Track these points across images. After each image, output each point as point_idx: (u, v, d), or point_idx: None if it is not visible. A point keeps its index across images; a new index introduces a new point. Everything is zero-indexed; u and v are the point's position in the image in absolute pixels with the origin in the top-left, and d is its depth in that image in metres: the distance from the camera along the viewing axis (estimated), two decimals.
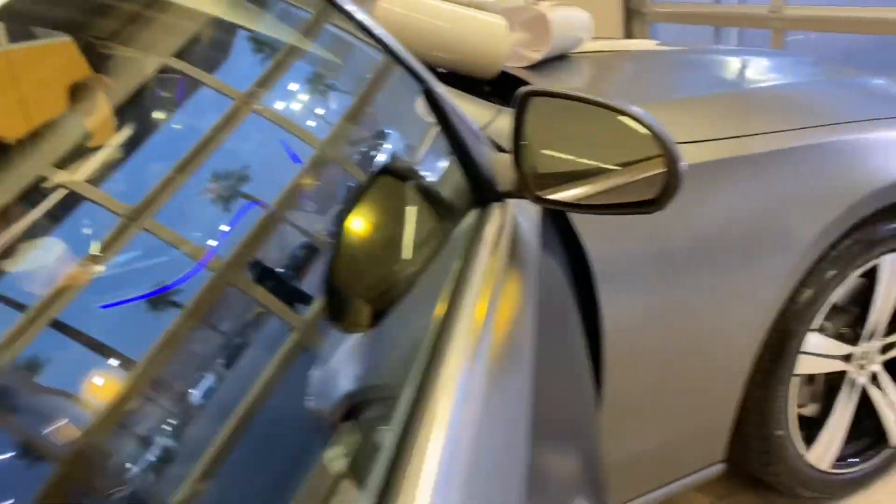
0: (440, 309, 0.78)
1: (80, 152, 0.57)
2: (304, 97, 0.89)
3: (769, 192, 1.50)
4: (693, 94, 1.67)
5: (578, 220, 1.32)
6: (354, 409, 0.66)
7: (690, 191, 1.40)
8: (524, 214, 1.10)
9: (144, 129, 0.65)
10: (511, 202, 1.07)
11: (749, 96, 1.71)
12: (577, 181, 0.95)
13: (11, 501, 0.40)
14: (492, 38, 1.65)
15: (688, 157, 1.39)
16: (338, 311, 0.72)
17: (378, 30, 0.94)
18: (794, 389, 1.65)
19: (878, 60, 6.38)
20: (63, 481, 0.44)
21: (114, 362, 0.51)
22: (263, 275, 0.66)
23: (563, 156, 0.98)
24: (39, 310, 0.47)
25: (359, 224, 0.81)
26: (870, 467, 1.85)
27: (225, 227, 0.66)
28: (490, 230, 0.97)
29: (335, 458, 0.60)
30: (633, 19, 4.33)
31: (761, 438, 1.67)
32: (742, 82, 1.91)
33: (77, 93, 0.59)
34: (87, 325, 0.50)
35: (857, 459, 1.84)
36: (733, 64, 2.03)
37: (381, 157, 0.97)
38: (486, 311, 0.78)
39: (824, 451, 1.76)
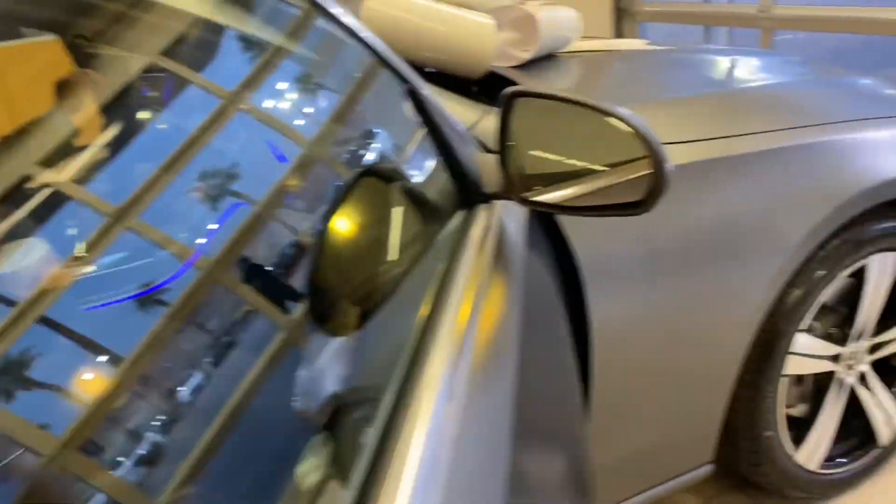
0: (424, 311, 0.78)
1: (65, 151, 0.57)
2: (290, 98, 0.88)
3: (758, 192, 1.50)
4: (682, 94, 1.67)
5: (566, 221, 1.31)
6: (338, 409, 0.66)
7: (679, 191, 1.40)
8: (511, 216, 1.09)
9: (129, 129, 0.64)
10: (497, 204, 1.06)
11: (738, 96, 1.71)
12: (564, 182, 0.94)
13: None
14: (479, 37, 1.64)
15: (676, 157, 1.41)
16: (321, 313, 0.71)
17: (364, 32, 0.93)
18: (782, 390, 1.65)
19: (866, 60, 6.42)
20: (41, 485, 0.44)
21: (96, 364, 0.50)
22: (248, 275, 0.65)
23: (549, 157, 0.97)
24: (22, 311, 0.47)
25: (342, 226, 0.80)
26: (858, 467, 1.86)
27: (210, 228, 0.65)
28: (476, 232, 0.96)
29: (314, 464, 0.59)
30: (622, 19, 4.33)
31: (750, 439, 1.67)
32: (731, 82, 1.90)
33: (63, 90, 0.59)
34: (71, 326, 0.49)
35: (846, 459, 1.84)
36: (722, 64, 2.03)
37: (366, 159, 0.96)
38: (470, 313, 0.78)
39: (813, 452, 1.76)
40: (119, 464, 0.48)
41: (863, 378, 1.80)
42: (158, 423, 0.51)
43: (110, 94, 0.64)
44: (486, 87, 1.66)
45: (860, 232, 1.62)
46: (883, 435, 1.85)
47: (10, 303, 0.47)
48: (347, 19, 0.91)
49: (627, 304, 1.40)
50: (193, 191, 0.65)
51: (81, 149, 0.58)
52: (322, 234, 0.76)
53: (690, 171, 1.42)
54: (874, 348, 1.79)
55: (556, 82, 1.79)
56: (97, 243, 0.54)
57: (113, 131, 0.62)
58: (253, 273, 0.66)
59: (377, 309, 0.78)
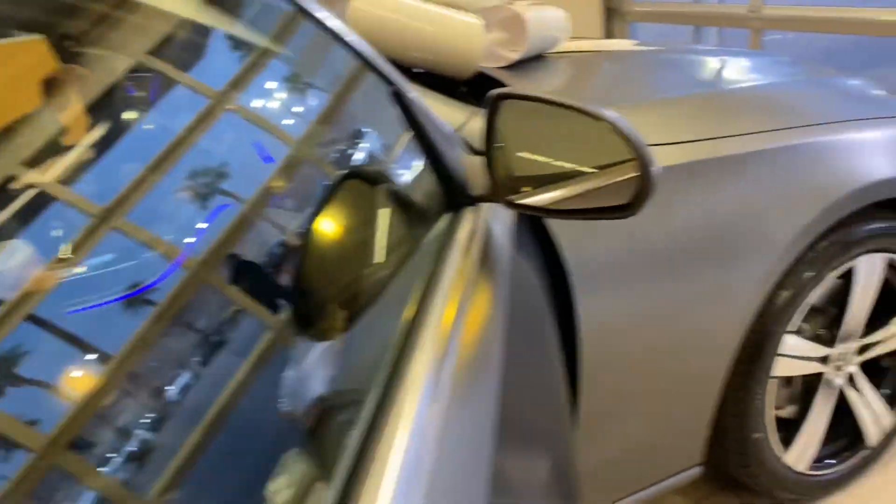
0: (409, 313, 0.77)
1: (50, 151, 0.56)
2: (274, 101, 0.88)
3: (747, 193, 1.50)
4: (670, 95, 1.66)
5: (554, 223, 1.30)
6: (323, 410, 0.66)
7: (667, 193, 1.40)
8: (498, 218, 1.08)
9: (112, 130, 0.64)
10: (484, 206, 1.06)
11: (727, 97, 1.71)
12: (550, 185, 0.94)
13: None
14: (467, 38, 1.63)
15: (665, 158, 1.40)
16: (306, 316, 0.71)
17: (349, 35, 0.92)
18: (771, 391, 1.65)
19: (855, 60, 6.45)
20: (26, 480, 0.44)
21: (78, 363, 0.50)
22: (233, 277, 0.65)
23: (535, 160, 0.96)
24: (5, 312, 0.47)
25: (326, 228, 0.80)
26: (847, 468, 1.86)
27: (196, 229, 0.65)
28: (461, 235, 0.96)
29: (293, 476, 0.59)
30: (612, 18, 4.33)
31: (739, 441, 1.67)
32: (720, 83, 1.90)
33: (50, 87, 0.58)
34: (54, 329, 0.49)
35: (835, 461, 1.84)
36: (711, 64, 2.03)
37: (351, 161, 0.95)
38: (455, 316, 0.78)
39: (802, 453, 1.76)
40: (105, 463, 0.48)
41: (851, 379, 1.80)
42: (144, 423, 0.52)
43: (93, 95, 0.63)
44: (475, 88, 1.66)
45: (849, 233, 1.62)
46: (871, 436, 1.85)
47: None
48: (333, 22, 0.90)
49: (616, 306, 1.39)
50: (178, 192, 0.65)
51: (67, 149, 0.58)
52: (306, 236, 0.76)
53: (679, 172, 1.42)
54: (862, 349, 1.79)
55: (545, 83, 1.78)
56: (82, 244, 0.53)
57: (97, 132, 0.62)
58: (238, 274, 0.66)
59: (361, 312, 0.78)
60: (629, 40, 2.29)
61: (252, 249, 0.69)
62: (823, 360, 1.74)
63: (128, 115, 0.68)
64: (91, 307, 0.52)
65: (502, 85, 1.61)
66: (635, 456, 1.56)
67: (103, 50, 0.65)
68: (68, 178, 0.56)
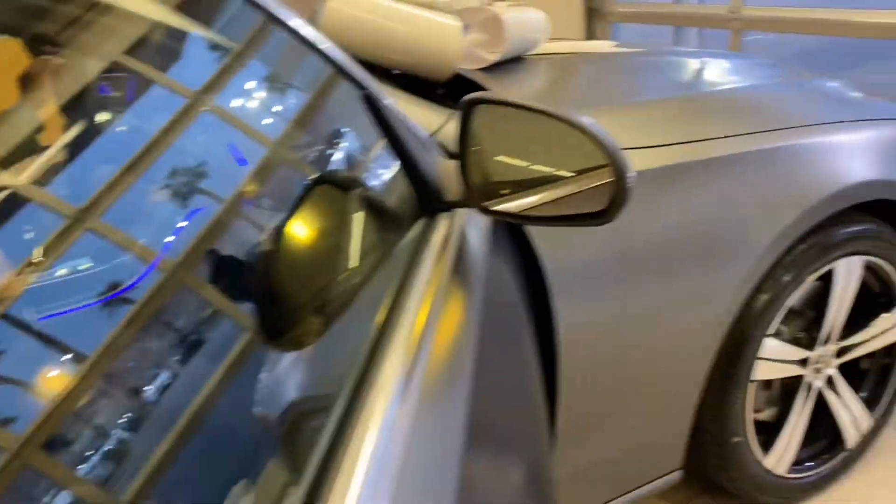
0: (380, 320, 0.77)
1: (24, 151, 0.56)
2: (247, 106, 0.86)
3: (725, 196, 1.49)
4: (650, 98, 1.65)
5: (533, 228, 1.29)
6: (293, 415, 0.66)
7: (646, 196, 1.39)
8: (474, 224, 1.07)
9: (85, 131, 0.63)
10: (460, 212, 1.04)
11: (706, 99, 1.70)
12: (525, 191, 0.92)
13: None
14: (445, 39, 1.62)
15: (645, 161, 1.40)
16: (277, 322, 0.70)
17: (323, 43, 0.90)
18: (751, 395, 1.65)
19: (834, 61, 6.50)
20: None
21: (49, 367, 0.50)
22: (207, 282, 0.65)
23: (510, 165, 0.95)
24: None
25: (297, 234, 0.79)
26: (826, 471, 1.86)
27: (169, 233, 0.64)
28: (435, 241, 0.95)
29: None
30: (594, 19, 4.33)
31: (719, 445, 1.66)
32: (699, 85, 1.90)
33: (26, 83, 0.57)
34: (22, 336, 0.49)
35: (814, 463, 1.84)
36: (691, 66, 2.02)
37: (324, 166, 0.94)
38: (426, 322, 0.77)
39: (781, 456, 1.76)
40: (73, 465, 0.48)
41: (830, 381, 1.80)
42: (114, 425, 0.51)
43: (65, 98, 0.62)
44: (453, 90, 1.64)
45: (827, 236, 1.62)
46: (850, 438, 1.85)
47: None
48: (306, 30, 0.88)
49: (594, 311, 1.38)
50: (150, 196, 0.64)
51: (42, 149, 0.57)
52: (276, 242, 0.75)
53: (658, 175, 1.41)
54: (841, 352, 1.79)
55: (524, 85, 1.77)
56: (54, 246, 0.53)
57: (70, 132, 0.61)
58: (211, 279, 0.65)
59: (333, 318, 0.77)
60: (609, 42, 2.28)
61: (225, 254, 0.68)
62: (802, 362, 1.74)
63: (97, 118, 0.66)
64: (61, 313, 0.51)
65: (480, 87, 1.60)
66: (614, 461, 1.55)
67: (76, 52, 0.64)
68: (41, 179, 0.55)
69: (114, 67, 0.67)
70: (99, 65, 0.66)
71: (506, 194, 0.93)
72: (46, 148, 0.58)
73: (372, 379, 0.67)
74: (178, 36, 0.81)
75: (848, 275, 1.70)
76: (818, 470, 1.84)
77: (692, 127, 1.50)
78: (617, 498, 1.56)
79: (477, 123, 0.93)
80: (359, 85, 0.93)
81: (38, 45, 0.59)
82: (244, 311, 0.68)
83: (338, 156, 0.99)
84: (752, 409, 1.67)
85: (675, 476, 1.64)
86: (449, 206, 1.02)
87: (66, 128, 0.60)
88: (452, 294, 0.87)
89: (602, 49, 2.13)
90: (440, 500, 0.62)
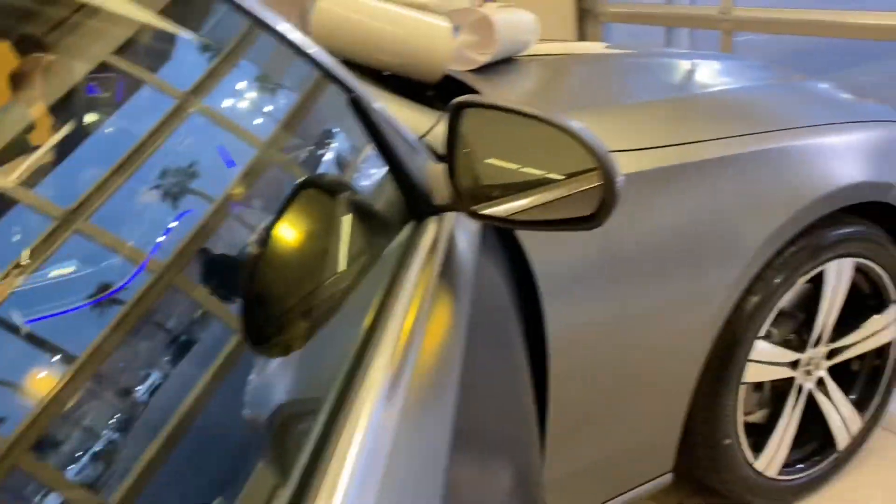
0: (368, 324, 0.77)
1: (14, 151, 0.56)
2: (235, 110, 0.85)
3: (716, 199, 1.49)
4: (640, 100, 1.65)
5: (522, 231, 1.28)
6: (281, 418, 0.66)
7: (637, 198, 1.38)
8: (462, 227, 1.06)
9: (73, 132, 0.63)
10: (449, 215, 1.04)
11: (697, 101, 1.70)
12: (514, 195, 0.92)
13: None
14: (435, 40, 1.61)
15: (634, 164, 1.39)
16: (263, 328, 0.70)
17: (311, 48, 0.90)
18: (741, 397, 1.64)
19: (824, 62, 6.52)
20: None
21: (36, 374, 0.50)
22: (193, 285, 0.65)
23: (498, 169, 0.94)
24: None
25: (284, 238, 0.78)
26: (817, 472, 1.86)
27: (155, 237, 0.64)
28: (423, 245, 0.94)
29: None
30: (585, 19, 4.33)
31: (710, 447, 1.66)
32: (690, 87, 1.89)
33: (17, 82, 0.57)
34: (10, 338, 0.49)
35: (804, 465, 1.84)
36: (681, 68, 2.02)
37: (312, 170, 0.93)
38: (413, 328, 0.77)
39: (772, 458, 1.76)
40: (64, 466, 0.48)
41: (820, 383, 1.80)
42: (102, 428, 0.51)
43: (53, 98, 0.62)
44: (443, 91, 1.63)
45: (817, 238, 1.62)
46: (841, 440, 1.85)
47: None
48: (293, 34, 0.88)
49: (584, 313, 1.38)
50: (137, 199, 0.64)
51: (31, 149, 0.57)
52: (263, 246, 0.74)
53: (648, 178, 1.40)
54: (831, 354, 1.79)
55: (514, 86, 1.76)
56: (41, 249, 0.53)
57: (56, 134, 0.61)
58: (198, 282, 0.65)
59: (320, 322, 0.77)
60: (599, 43, 2.28)
61: (212, 258, 0.68)
62: (793, 364, 1.74)
63: (84, 119, 0.66)
64: (47, 317, 0.51)
65: (471, 89, 1.59)
66: (605, 463, 1.55)
67: (65, 53, 0.64)
68: (30, 180, 0.55)
69: (102, 69, 0.67)
70: (86, 67, 0.66)
71: (494, 198, 0.93)
72: (36, 148, 0.57)
73: (358, 382, 0.67)
74: (166, 40, 0.80)
75: (838, 277, 1.70)
76: (809, 472, 1.85)
77: (683, 129, 1.50)
78: (608, 501, 1.56)
79: (465, 127, 0.93)
80: (346, 88, 0.92)
81: (28, 45, 0.59)
82: (231, 315, 0.67)
83: (325, 159, 0.98)
84: (742, 412, 1.67)
85: (666, 478, 1.64)
86: (437, 210, 1.01)
87: (55, 128, 0.60)
88: (440, 298, 0.87)
89: (593, 50, 2.12)
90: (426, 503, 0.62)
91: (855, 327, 1.80)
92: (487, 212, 0.93)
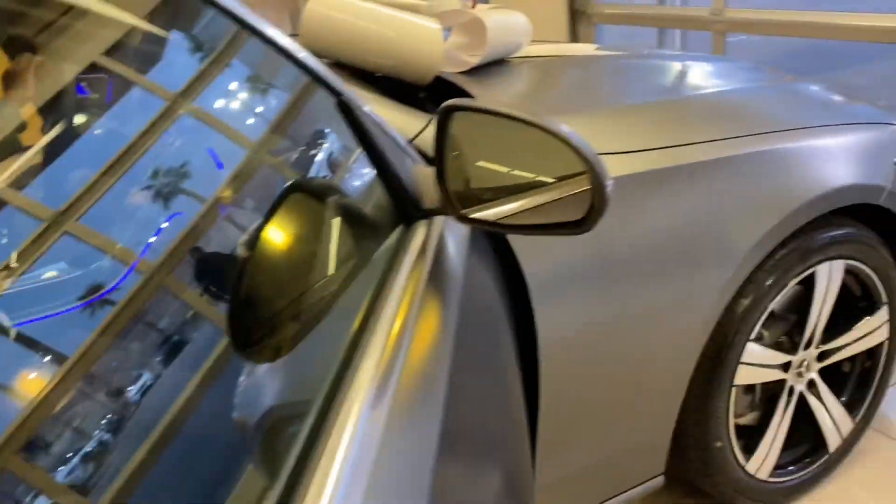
0: (356, 328, 0.77)
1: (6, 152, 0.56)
2: (222, 113, 0.85)
3: (707, 201, 1.49)
4: (631, 102, 1.65)
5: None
6: (269, 421, 0.66)
7: (627, 201, 1.38)
8: (452, 230, 1.06)
9: (62, 134, 0.63)
10: (439, 219, 1.03)
11: (688, 104, 1.70)
12: (503, 199, 0.91)
13: None
14: (425, 42, 1.60)
15: (626, 166, 1.39)
16: (250, 332, 0.70)
17: (300, 52, 0.89)
18: (733, 400, 1.64)
19: (815, 63, 6.54)
20: None
21: (24, 375, 0.50)
22: (181, 289, 0.65)
23: (488, 172, 0.94)
24: None
25: (271, 242, 0.78)
26: (808, 474, 1.86)
27: (141, 240, 0.64)
28: (412, 249, 0.94)
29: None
30: (578, 20, 4.33)
31: (701, 450, 1.66)
32: (681, 89, 1.89)
33: (8, 82, 0.57)
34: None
35: (795, 467, 1.84)
36: (672, 70, 2.02)
37: (300, 174, 0.93)
38: (401, 332, 0.77)
39: (763, 460, 1.76)
40: (53, 468, 0.48)
41: (812, 385, 1.80)
42: (89, 430, 0.51)
43: (43, 99, 0.62)
44: (434, 93, 1.63)
45: (809, 240, 1.62)
46: (832, 442, 1.86)
47: None
48: (283, 40, 0.87)
49: (575, 315, 1.37)
50: (123, 201, 0.64)
51: (21, 149, 0.57)
52: (249, 251, 0.74)
53: (639, 180, 1.40)
54: (823, 355, 1.79)
55: (506, 88, 1.76)
56: (31, 251, 0.53)
57: (44, 136, 0.60)
58: (187, 285, 0.65)
59: (307, 328, 0.77)
60: (591, 44, 2.28)
61: (200, 261, 0.68)
62: (784, 367, 1.74)
63: (72, 121, 0.66)
64: (34, 320, 0.51)
65: (462, 90, 1.59)
66: (597, 466, 1.54)
67: (54, 54, 0.64)
68: (19, 181, 0.55)
69: (91, 71, 0.67)
70: (76, 68, 0.66)
71: (484, 201, 0.92)
72: (26, 148, 0.57)
73: (346, 386, 0.67)
74: (154, 44, 0.80)
75: (829, 279, 1.70)
76: (800, 474, 1.85)
77: (673, 131, 1.50)
78: None
79: (454, 130, 0.92)
80: (334, 91, 0.91)
81: (17, 46, 0.59)
82: (219, 318, 0.67)
83: (314, 163, 0.97)
84: (734, 414, 1.67)
85: (658, 481, 1.64)
86: (427, 214, 1.00)
87: (44, 129, 0.60)
88: (429, 302, 0.86)
89: (584, 52, 2.12)
90: None
91: (846, 329, 1.80)
92: (477, 215, 0.92)
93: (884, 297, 1.81)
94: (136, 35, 0.76)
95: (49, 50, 0.63)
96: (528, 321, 1.32)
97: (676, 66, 2.05)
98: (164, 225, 0.66)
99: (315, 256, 0.85)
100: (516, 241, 1.28)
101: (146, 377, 0.57)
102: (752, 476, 1.75)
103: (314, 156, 0.98)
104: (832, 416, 1.84)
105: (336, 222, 0.91)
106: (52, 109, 0.62)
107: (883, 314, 1.83)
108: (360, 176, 1.00)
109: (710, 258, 1.50)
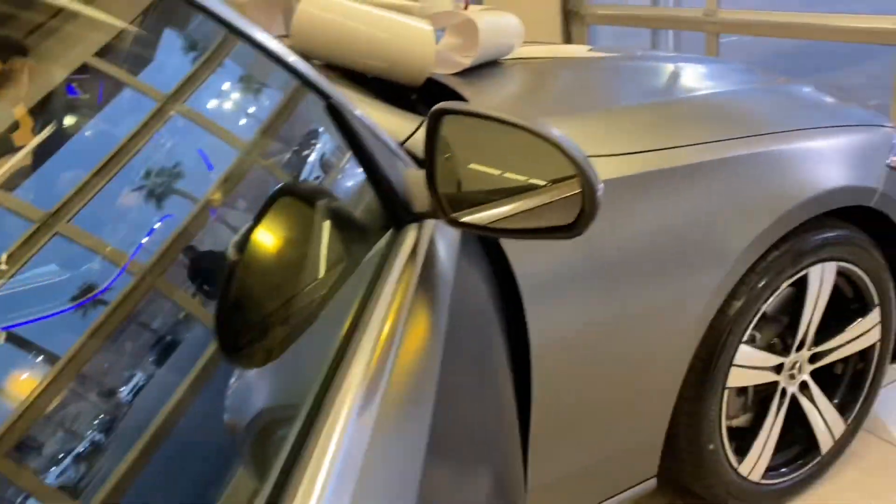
0: (345, 333, 0.77)
1: None
2: (211, 117, 0.84)
3: (699, 203, 1.48)
4: (624, 104, 1.65)
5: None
6: (257, 426, 0.66)
7: (620, 203, 1.38)
8: (443, 233, 1.05)
9: (51, 136, 0.63)
10: (430, 222, 1.03)
11: (680, 106, 1.69)
12: (494, 202, 0.91)
13: None
14: (417, 44, 1.60)
15: (618, 169, 1.39)
16: (239, 336, 0.69)
17: (290, 57, 0.89)
18: (725, 402, 1.64)
19: (809, 63, 6.56)
20: None
21: (14, 379, 0.50)
22: (170, 293, 0.65)
23: (478, 176, 0.93)
24: None
25: (260, 246, 0.77)
26: (801, 476, 1.86)
27: (130, 244, 0.63)
28: (402, 252, 0.94)
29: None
30: (571, 21, 4.33)
31: (693, 452, 1.66)
32: (673, 91, 1.89)
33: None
34: None
35: (788, 469, 1.84)
36: (665, 71, 2.02)
37: (289, 177, 0.92)
38: (390, 336, 0.77)
39: (756, 463, 1.76)
40: (43, 470, 0.48)
41: (804, 387, 1.80)
42: (78, 433, 0.52)
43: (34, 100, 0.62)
44: (426, 95, 1.62)
45: (801, 242, 1.62)
46: (824, 444, 1.86)
47: None
48: (272, 44, 0.87)
49: (568, 318, 1.37)
50: (109, 206, 0.63)
51: (13, 150, 0.57)
52: (238, 255, 0.73)
53: (632, 183, 1.40)
54: (815, 357, 1.79)
55: (498, 90, 1.75)
56: (21, 253, 0.53)
57: (33, 140, 0.60)
58: (176, 288, 0.65)
59: (296, 333, 0.77)
60: (583, 46, 2.27)
61: (190, 262, 0.68)
62: (777, 368, 1.74)
63: (61, 123, 0.65)
64: (24, 322, 0.51)
65: (454, 92, 1.58)
66: (589, 469, 1.54)
67: (45, 57, 0.64)
68: (9, 183, 0.55)
69: (82, 73, 0.67)
70: (67, 70, 0.66)
71: (475, 205, 0.92)
72: (18, 149, 0.57)
73: (335, 390, 0.67)
74: (143, 47, 0.80)
75: (821, 280, 1.70)
76: (792, 476, 1.85)
77: (666, 134, 1.50)
78: None
79: (445, 134, 0.92)
80: (323, 95, 0.91)
81: (9, 49, 0.59)
82: (208, 322, 0.67)
83: (304, 166, 0.97)
84: (726, 416, 1.66)
85: (650, 484, 1.63)
86: (417, 217, 1.00)
87: (34, 131, 0.60)
88: (418, 306, 0.86)
89: (576, 54, 2.12)
90: None
91: (838, 331, 1.80)
92: (467, 219, 0.92)
93: (876, 299, 1.81)
94: (125, 38, 0.76)
95: (39, 52, 0.62)
96: (521, 323, 1.31)
97: (669, 67, 2.05)
98: (155, 226, 0.66)
99: (304, 260, 0.84)
100: (508, 243, 1.28)
101: (136, 379, 0.57)
102: (744, 478, 1.75)
103: (304, 159, 0.98)
104: (824, 418, 1.84)
105: (326, 226, 0.91)
106: (42, 111, 0.62)
107: (875, 316, 1.83)
108: (350, 179, 0.99)
109: (703, 260, 1.50)
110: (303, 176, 0.95)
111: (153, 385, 0.58)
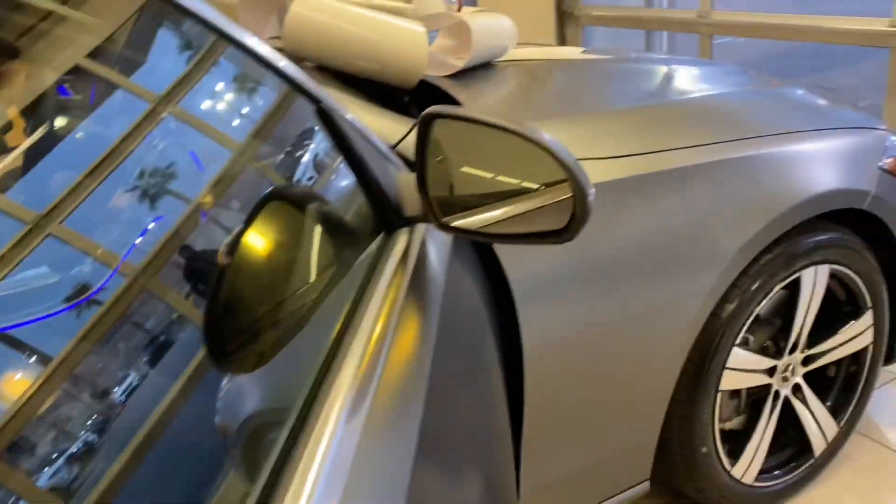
0: (335, 337, 0.77)
1: None
2: (201, 119, 0.84)
3: (692, 206, 1.48)
4: (617, 107, 1.64)
5: None
6: (246, 430, 0.66)
7: (613, 206, 1.38)
8: (434, 237, 1.05)
9: (43, 137, 0.62)
10: (421, 226, 1.02)
11: (673, 108, 1.69)
12: (485, 207, 0.91)
13: None
14: (410, 46, 1.59)
15: (611, 172, 1.38)
16: (228, 340, 0.69)
17: (280, 62, 0.88)
18: (718, 405, 1.64)
19: (803, 64, 6.58)
20: None
21: (7, 380, 0.50)
22: (160, 296, 0.65)
23: (470, 180, 0.93)
24: None
25: (250, 251, 0.77)
26: (794, 479, 1.86)
27: (121, 247, 0.63)
28: (394, 257, 0.93)
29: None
30: (565, 22, 4.33)
31: (687, 455, 1.65)
32: (666, 93, 1.89)
33: None
34: None
35: (781, 472, 1.84)
36: (658, 74, 2.02)
37: (280, 181, 0.91)
38: (380, 340, 0.77)
39: (749, 465, 1.75)
40: (34, 471, 0.48)
41: (797, 390, 1.80)
42: (68, 435, 0.52)
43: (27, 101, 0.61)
44: (419, 97, 1.62)
45: (793, 245, 1.62)
46: (817, 446, 1.86)
47: None
48: (262, 49, 0.86)
49: (560, 321, 1.37)
50: (98, 210, 0.63)
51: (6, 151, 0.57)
52: (228, 259, 0.73)
53: (624, 186, 1.40)
54: (808, 360, 1.79)
55: (491, 93, 1.75)
56: (13, 255, 0.52)
57: (26, 142, 0.60)
58: (166, 292, 0.65)
59: (286, 337, 0.77)
60: (577, 48, 2.27)
61: (180, 266, 0.68)
62: (770, 371, 1.73)
63: (52, 127, 0.65)
64: (12, 327, 0.51)
65: (447, 94, 1.58)
66: (582, 472, 1.53)
67: (37, 59, 0.64)
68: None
69: (71, 80, 0.67)
70: (59, 72, 0.65)
71: (466, 209, 0.92)
72: (10, 150, 0.57)
73: (324, 394, 0.68)
74: (135, 52, 0.79)
75: (814, 283, 1.70)
76: (786, 478, 1.85)
77: (658, 137, 1.49)
78: None
79: (436, 138, 0.91)
80: (313, 98, 0.90)
81: (2, 51, 0.59)
82: (197, 326, 0.67)
83: (294, 170, 0.96)
84: (719, 419, 1.66)
85: (644, 487, 1.63)
86: (408, 222, 0.99)
87: (26, 132, 0.60)
88: (409, 310, 0.86)
89: (570, 55, 2.11)
90: None
91: (831, 334, 1.80)
92: (459, 224, 0.91)
93: (868, 302, 1.82)
94: (117, 41, 0.75)
95: (32, 54, 0.62)
96: (513, 326, 1.31)
97: (662, 70, 2.05)
98: (147, 228, 0.66)
99: (295, 264, 0.84)
100: (500, 247, 1.27)
101: (128, 381, 0.57)
102: (737, 481, 1.74)
103: (294, 163, 0.97)
104: (817, 421, 1.84)
105: (316, 230, 0.91)
106: (34, 112, 0.61)
107: (867, 318, 1.83)
108: (341, 183, 0.99)
109: (695, 263, 1.49)
110: (293, 179, 0.95)
111: (145, 386, 0.58)
